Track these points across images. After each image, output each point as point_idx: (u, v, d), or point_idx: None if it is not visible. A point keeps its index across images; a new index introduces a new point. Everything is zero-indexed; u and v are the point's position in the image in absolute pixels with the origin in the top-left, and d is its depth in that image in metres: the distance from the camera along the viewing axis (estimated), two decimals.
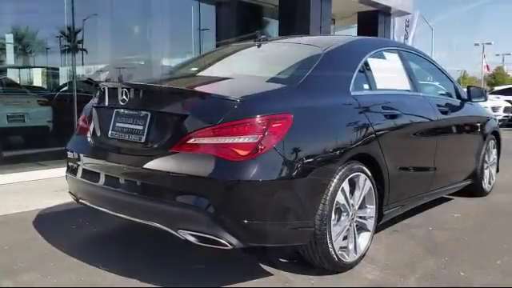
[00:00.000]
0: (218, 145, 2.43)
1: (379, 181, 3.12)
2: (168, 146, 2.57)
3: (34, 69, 6.91)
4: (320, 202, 2.65)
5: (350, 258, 2.90)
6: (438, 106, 4.01)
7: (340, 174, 2.75)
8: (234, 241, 2.43)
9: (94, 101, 3.15)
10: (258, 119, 2.46)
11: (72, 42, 6.67)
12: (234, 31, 9.25)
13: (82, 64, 7.00)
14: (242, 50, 3.89)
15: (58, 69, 6.93)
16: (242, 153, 2.40)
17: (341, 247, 2.84)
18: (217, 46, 8.55)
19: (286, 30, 7.75)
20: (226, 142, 2.43)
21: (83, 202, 3.08)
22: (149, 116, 2.72)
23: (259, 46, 3.62)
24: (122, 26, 7.60)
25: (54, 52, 6.81)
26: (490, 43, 47.68)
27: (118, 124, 2.89)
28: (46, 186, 5.17)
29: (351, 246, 2.93)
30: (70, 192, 3.26)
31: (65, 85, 6.82)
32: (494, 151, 5.13)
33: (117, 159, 2.78)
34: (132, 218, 2.71)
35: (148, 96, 2.80)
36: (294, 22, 7.72)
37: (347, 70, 3.17)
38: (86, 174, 2.99)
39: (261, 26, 9.88)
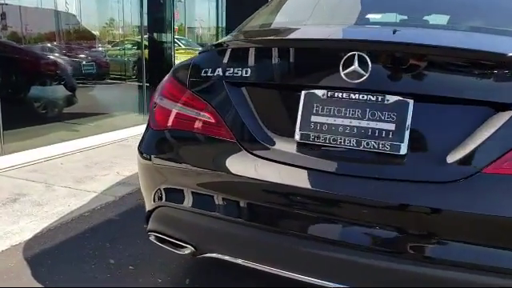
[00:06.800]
0: None
1: None
2: (476, 164, 1.33)
3: None
4: None
5: None
6: None
7: None
8: None
9: (224, 70, 1.70)
10: None
11: None
12: None
13: None
14: None
15: None
16: None
17: None
18: None
19: None
20: None
21: (225, 258, 1.67)
22: (410, 105, 1.43)
23: None
24: None
25: None
26: None
27: (316, 118, 1.54)
28: None
29: None
30: (167, 237, 1.78)
31: None
32: None
33: (327, 185, 1.46)
34: None
35: (406, 65, 1.47)
36: None
37: None
38: (234, 209, 1.62)
39: None
